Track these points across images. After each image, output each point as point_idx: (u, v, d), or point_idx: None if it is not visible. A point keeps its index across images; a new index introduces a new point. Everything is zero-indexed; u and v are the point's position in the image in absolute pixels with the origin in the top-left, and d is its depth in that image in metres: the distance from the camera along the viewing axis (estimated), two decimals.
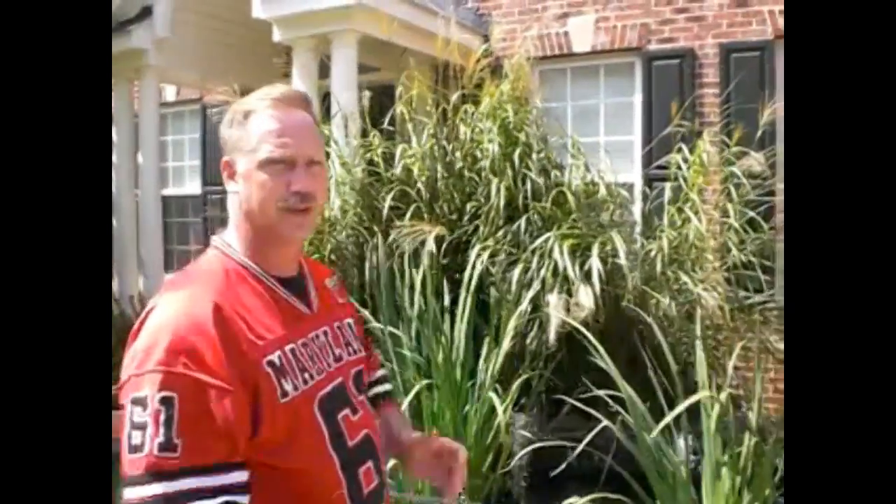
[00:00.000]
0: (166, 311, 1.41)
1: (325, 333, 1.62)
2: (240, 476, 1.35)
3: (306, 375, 1.49)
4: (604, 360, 3.82)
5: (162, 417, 1.30)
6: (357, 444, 1.55)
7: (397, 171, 5.63)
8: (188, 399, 1.32)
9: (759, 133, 5.58)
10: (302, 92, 1.66)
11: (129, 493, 1.30)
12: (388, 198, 5.34)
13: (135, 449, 1.30)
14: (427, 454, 1.76)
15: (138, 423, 1.31)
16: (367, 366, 1.79)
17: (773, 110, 5.52)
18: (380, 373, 1.94)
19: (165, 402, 1.31)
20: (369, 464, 1.58)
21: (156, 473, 1.29)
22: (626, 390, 3.62)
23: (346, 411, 1.56)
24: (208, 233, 9.50)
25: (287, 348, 1.48)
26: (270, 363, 1.43)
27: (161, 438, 1.29)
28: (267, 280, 1.56)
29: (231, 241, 1.59)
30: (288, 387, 1.44)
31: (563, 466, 3.81)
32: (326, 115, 6.10)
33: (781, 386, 5.30)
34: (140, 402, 1.32)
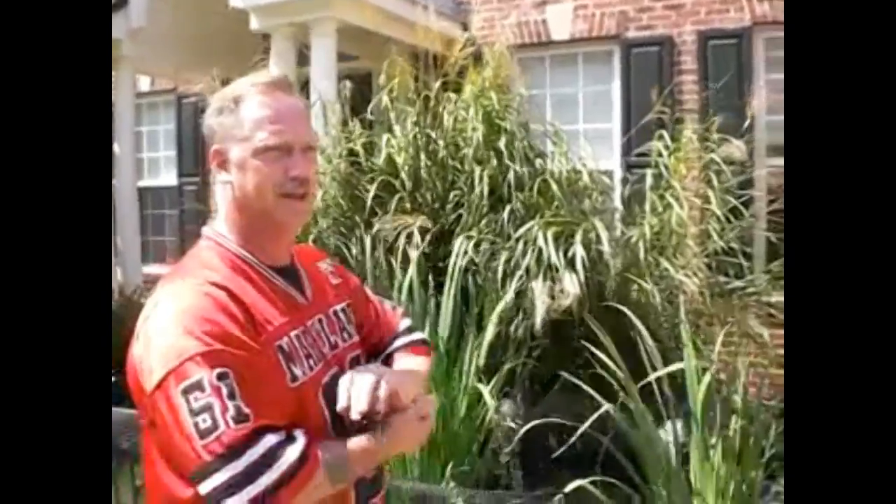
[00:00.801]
0: (180, 299, 1.42)
1: (321, 321, 1.62)
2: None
3: (311, 362, 1.52)
4: (603, 341, 3.83)
5: (225, 392, 1.33)
6: (356, 429, 1.53)
7: (380, 161, 5.61)
8: (240, 371, 1.35)
9: (747, 122, 5.62)
10: (288, 77, 1.66)
11: (219, 476, 1.30)
12: (373, 188, 5.32)
13: (207, 432, 1.31)
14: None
15: (200, 408, 1.32)
16: (381, 330, 1.82)
17: (750, 100, 5.58)
18: (403, 324, 1.89)
19: (222, 377, 1.34)
20: None
21: (238, 447, 1.31)
22: (624, 373, 3.64)
23: None
24: (184, 224, 9.46)
25: (292, 334, 1.51)
26: (279, 348, 1.47)
27: (232, 412, 1.32)
28: (263, 270, 1.56)
29: (223, 231, 1.58)
30: (297, 372, 1.48)
31: (562, 450, 3.82)
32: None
33: (761, 370, 5.36)
34: (195, 387, 1.33)
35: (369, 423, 1.50)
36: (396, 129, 5.72)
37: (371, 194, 5.29)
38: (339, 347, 1.63)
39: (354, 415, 1.48)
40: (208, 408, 1.32)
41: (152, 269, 8.19)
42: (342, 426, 1.52)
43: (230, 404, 1.32)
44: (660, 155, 5.35)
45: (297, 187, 1.53)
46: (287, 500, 1.34)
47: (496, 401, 4.35)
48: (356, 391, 1.50)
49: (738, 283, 5.21)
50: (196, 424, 1.31)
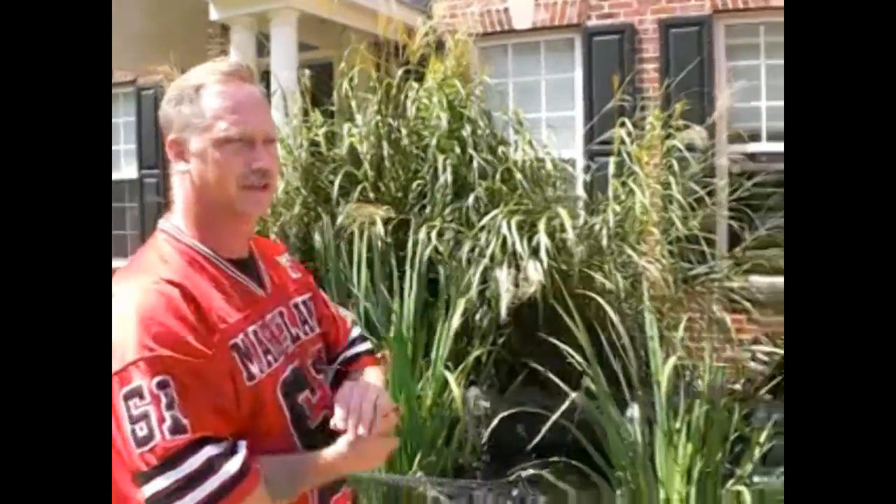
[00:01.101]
0: (130, 298, 1.37)
1: (281, 314, 1.58)
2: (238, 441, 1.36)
3: (269, 358, 1.48)
4: (570, 326, 3.84)
5: (163, 402, 1.29)
6: (318, 425, 1.53)
7: (343, 150, 5.58)
8: (181, 379, 1.31)
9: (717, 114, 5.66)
10: (248, 65, 1.61)
11: (152, 486, 1.28)
12: (337, 179, 5.29)
13: (143, 441, 1.28)
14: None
15: (138, 415, 1.29)
16: (338, 331, 1.77)
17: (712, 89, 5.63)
18: (355, 332, 1.84)
19: (162, 386, 1.30)
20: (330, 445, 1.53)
21: (173, 458, 1.28)
22: (591, 360, 3.66)
23: (306, 392, 1.54)
24: (145, 218, 9.35)
25: (249, 330, 1.47)
26: (235, 346, 1.42)
27: (169, 422, 1.29)
28: (220, 263, 1.51)
29: (180, 224, 1.53)
30: (254, 369, 1.43)
31: (535, 442, 3.83)
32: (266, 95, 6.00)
33: (725, 354, 5.42)
34: (135, 393, 1.30)
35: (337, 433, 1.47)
36: (358, 118, 5.68)
37: (336, 185, 5.26)
38: (301, 340, 1.60)
39: (361, 430, 1.46)
40: (145, 416, 1.29)
41: (113, 263, 8.05)
42: (303, 424, 1.50)
43: (167, 414, 1.29)
44: (622, 142, 5.37)
45: (260, 179, 1.49)
46: None
47: (462, 389, 4.35)
48: (365, 406, 1.49)
49: (701, 270, 5.25)
50: (134, 432, 1.29)
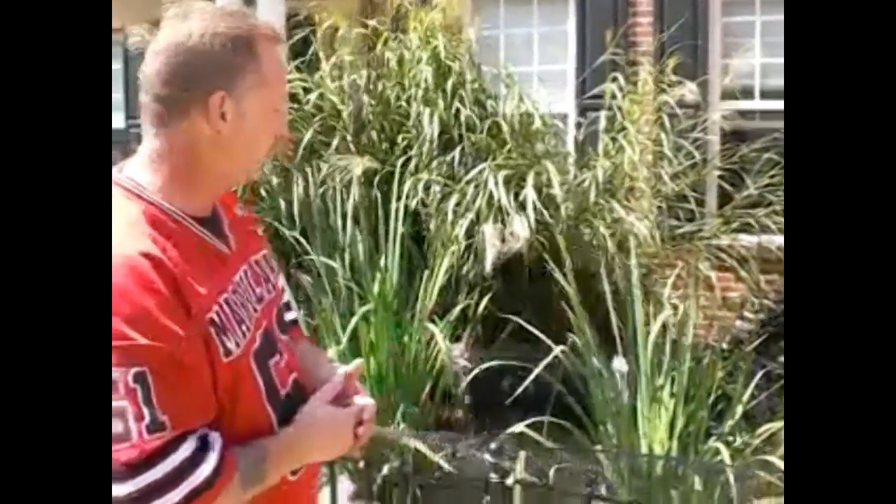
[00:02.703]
0: None
1: (246, 273, 1.45)
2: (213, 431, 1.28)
3: (243, 328, 1.36)
4: (558, 278, 3.82)
5: (140, 397, 1.19)
6: (288, 393, 1.44)
7: (313, 98, 5.48)
8: (159, 370, 1.20)
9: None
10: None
11: (127, 486, 1.18)
12: (310, 129, 5.23)
13: (119, 439, 1.18)
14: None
15: (115, 410, 1.18)
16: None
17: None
18: (287, 296, 1.71)
19: (138, 378, 1.19)
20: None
21: (150, 458, 1.19)
22: (578, 313, 3.64)
23: (276, 358, 1.44)
24: None
25: (222, 300, 1.33)
26: (211, 321, 1.29)
27: (147, 420, 1.19)
28: (186, 221, 1.35)
29: (140, 177, 1.36)
30: (230, 344, 1.31)
31: (516, 394, 3.83)
32: None
33: (710, 313, 5.43)
34: (112, 384, 1.18)
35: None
36: (327, 69, 5.60)
37: (306, 138, 5.20)
38: (265, 300, 1.47)
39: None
40: (121, 412, 1.18)
41: None
42: (275, 394, 1.41)
43: (146, 411, 1.19)
44: (613, 97, 5.31)
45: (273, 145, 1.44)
46: None
47: (448, 343, 4.34)
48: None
49: (689, 227, 5.24)
50: None
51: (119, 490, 1.17)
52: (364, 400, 1.54)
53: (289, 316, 1.64)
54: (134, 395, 1.18)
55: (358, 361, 1.66)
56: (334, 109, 5.50)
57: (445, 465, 3.66)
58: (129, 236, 1.26)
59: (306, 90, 5.61)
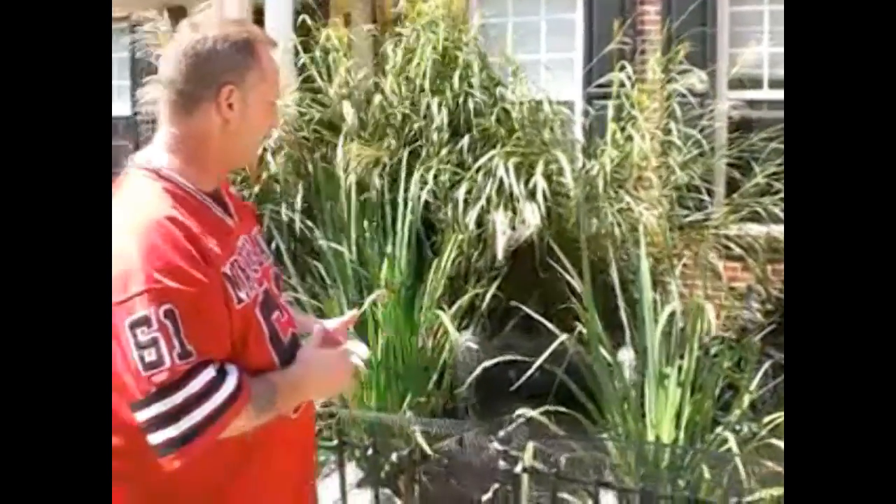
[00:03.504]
0: (133, 235, 1.47)
1: (246, 243, 1.71)
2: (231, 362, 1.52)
3: (250, 283, 1.63)
4: (574, 271, 3.83)
5: (171, 329, 1.43)
6: (288, 342, 1.69)
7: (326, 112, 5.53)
8: (186, 309, 1.45)
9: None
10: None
11: (158, 406, 1.42)
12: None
13: (153, 365, 1.42)
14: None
15: (147, 342, 1.42)
16: None
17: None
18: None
19: (169, 315, 1.43)
20: None
21: (180, 381, 1.43)
22: (589, 302, 3.64)
23: (276, 312, 1.70)
24: None
25: (231, 260, 1.60)
26: (225, 275, 1.56)
27: (178, 349, 1.43)
28: (199, 196, 1.62)
29: (159, 160, 1.62)
30: (242, 294, 1.58)
31: (520, 382, 3.83)
32: None
33: (717, 302, 5.43)
34: (142, 322, 1.42)
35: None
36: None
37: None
38: (263, 265, 1.75)
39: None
40: (154, 343, 1.42)
41: None
42: (278, 340, 1.65)
43: (175, 341, 1.42)
44: (622, 86, 5.30)
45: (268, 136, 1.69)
46: (221, 430, 1.47)
47: (456, 331, 4.35)
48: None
49: (698, 216, 5.23)
50: (142, 357, 1.42)
51: (153, 410, 1.43)
52: (355, 344, 1.85)
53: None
54: (165, 329, 1.43)
55: (353, 312, 2.01)
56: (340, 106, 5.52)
57: (452, 453, 3.69)
58: (157, 206, 1.53)
59: (314, 91, 5.63)
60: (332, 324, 1.90)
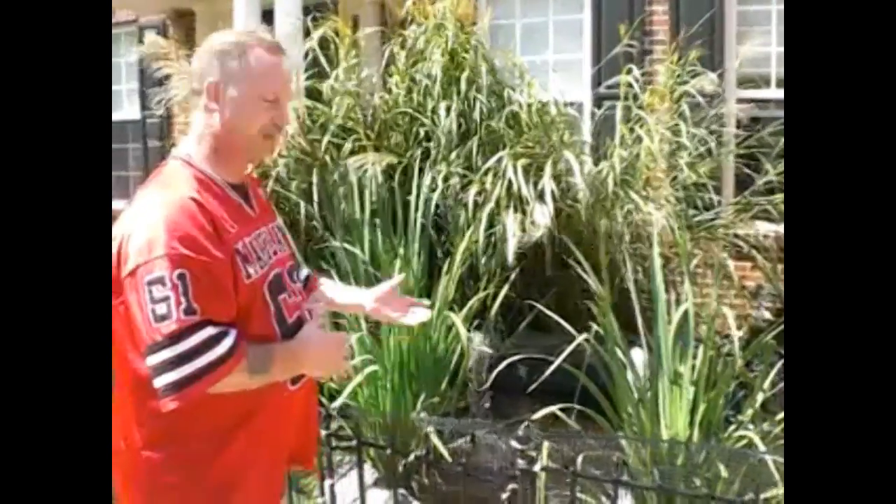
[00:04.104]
0: (159, 208, 1.73)
1: (265, 232, 1.96)
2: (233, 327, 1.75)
3: (260, 263, 1.87)
4: (587, 271, 3.85)
5: (181, 290, 1.67)
6: (293, 322, 1.92)
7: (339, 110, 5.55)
8: (197, 274, 1.69)
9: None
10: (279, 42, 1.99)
11: (163, 354, 1.66)
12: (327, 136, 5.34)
13: (162, 318, 1.66)
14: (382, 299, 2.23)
15: (160, 297, 1.67)
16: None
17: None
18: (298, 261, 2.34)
19: (181, 277, 1.67)
20: None
21: (182, 333, 1.66)
22: (604, 301, 3.66)
23: (285, 295, 1.93)
24: (148, 158, 9.29)
25: (246, 240, 1.85)
26: (237, 251, 1.80)
27: (184, 305, 1.67)
28: (224, 186, 1.88)
29: (192, 152, 1.89)
30: (251, 270, 1.82)
31: (539, 380, 3.85)
32: None
33: (727, 301, 5.44)
34: (158, 280, 1.67)
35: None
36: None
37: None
38: (279, 255, 1.99)
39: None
40: (166, 299, 1.66)
41: (116, 204, 8.00)
42: (283, 318, 1.89)
43: (183, 299, 1.66)
44: (629, 86, 5.32)
45: (276, 131, 1.90)
46: (215, 381, 1.68)
47: (468, 332, 4.37)
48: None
49: (707, 216, 5.24)
50: (154, 310, 1.66)
51: (160, 357, 1.66)
52: (415, 309, 2.23)
53: (303, 273, 2.22)
54: (176, 288, 1.67)
55: (398, 278, 2.33)
56: (349, 110, 5.55)
57: (467, 453, 3.71)
58: (183, 188, 1.79)
59: (320, 93, 5.66)
60: (375, 293, 2.26)
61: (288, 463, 2.07)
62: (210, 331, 1.68)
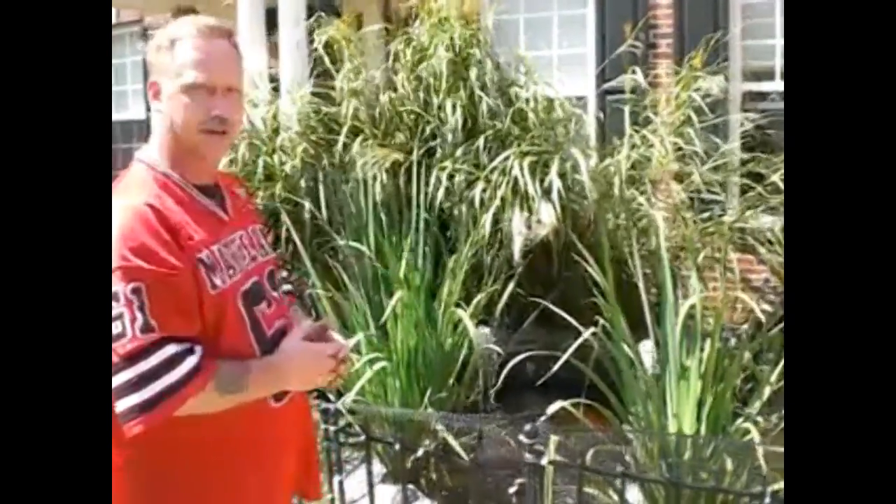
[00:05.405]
0: (113, 217, 1.58)
1: (241, 237, 1.82)
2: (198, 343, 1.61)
3: (231, 272, 1.72)
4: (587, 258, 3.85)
5: (136, 305, 1.54)
6: (273, 333, 1.77)
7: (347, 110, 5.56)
8: (152, 287, 1.56)
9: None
10: (226, 25, 1.82)
11: (119, 377, 1.53)
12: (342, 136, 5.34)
13: (117, 337, 1.54)
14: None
15: (115, 315, 1.54)
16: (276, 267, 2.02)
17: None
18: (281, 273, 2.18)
19: (135, 292, 1.55)
20: None
21: (140, 353, 1.54)
22: (611, 297, 3.66)
23: (263, 305, 1.78)
24: None
25: (214, 248, 1.70)
26: (200, 260, 1.65)
27: (140, 322, 1.54)
28: (188, 188, 1.75)
29: (154, 154, 1.77)
30: (217, 280, 1.67)
31: (548, 375, 3.85)
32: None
33: (732, 294, 5.43)
34: (113, 297, 1.53)
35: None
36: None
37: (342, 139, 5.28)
38: (258, 261, 1.84)
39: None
40: (120, 316, 1.54)
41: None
42: (260, 330, 1.74)
43: (139, 315, 1.54)
44: (633, 81, 5.32)
45: (218, 125, 1.72)
46: (180, 403, 1.56)
47: (474, 327, 4.38)
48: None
49: (714, 210, 5.24)
50: (111, 329, 1.53)
51: (119, 378, 1.53)
52: (339, 340, 1.90)
53: (284, 287, 2.03)
54: (130, 304, 1.55)
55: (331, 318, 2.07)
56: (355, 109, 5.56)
57: (475, 448, 3.72)
58: (138, 193, 1.67)
59: (325, 95, 5.67)
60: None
61: (291, 490, 1.93)
62: (171, 349, 1.56)
